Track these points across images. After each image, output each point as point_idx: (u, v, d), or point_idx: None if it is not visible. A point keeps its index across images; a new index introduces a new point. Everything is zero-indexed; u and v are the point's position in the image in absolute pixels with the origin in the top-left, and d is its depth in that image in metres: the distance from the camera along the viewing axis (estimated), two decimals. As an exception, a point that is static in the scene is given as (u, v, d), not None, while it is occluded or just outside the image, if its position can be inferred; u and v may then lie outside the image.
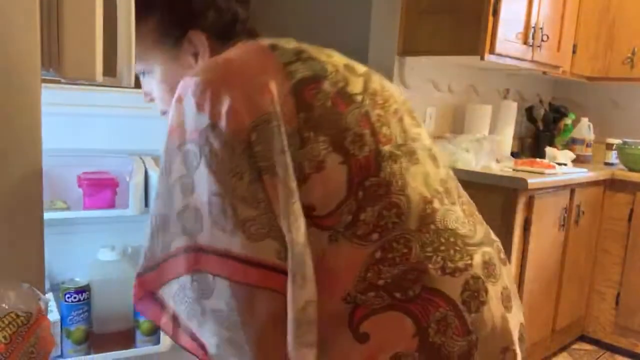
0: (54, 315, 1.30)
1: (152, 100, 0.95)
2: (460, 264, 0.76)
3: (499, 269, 0.82)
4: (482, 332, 0.76)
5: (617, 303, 2.69)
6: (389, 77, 2.43)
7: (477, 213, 0.91)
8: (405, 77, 2.47)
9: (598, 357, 2.69)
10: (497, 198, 2.17)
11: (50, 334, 0.63)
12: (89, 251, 1.41)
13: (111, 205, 1.38)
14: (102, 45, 0.70)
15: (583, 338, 2.82)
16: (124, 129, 1.48)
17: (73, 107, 1.35)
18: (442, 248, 0.76)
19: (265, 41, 0.82)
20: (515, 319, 0.84)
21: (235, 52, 0.79)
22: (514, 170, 2.34)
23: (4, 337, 0.56)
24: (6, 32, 0.60)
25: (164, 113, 0.90)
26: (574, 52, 2.72)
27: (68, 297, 1.31)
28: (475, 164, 2.31)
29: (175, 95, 0.74)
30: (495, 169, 2.30)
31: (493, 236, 0.88)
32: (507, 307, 0.82)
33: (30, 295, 0.61)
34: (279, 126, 0.71)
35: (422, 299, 0.73)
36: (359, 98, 0.79)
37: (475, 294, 0.76)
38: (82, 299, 1.32)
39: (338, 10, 3.03)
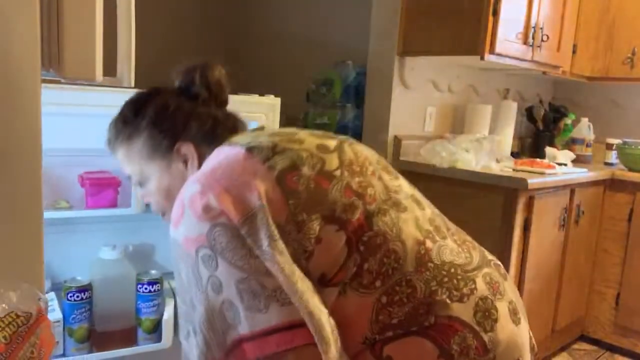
0: (56, 314, 1.30)
1: (149, 203, 1.07)
2: (466, 290, 0.83)
3: (502, 285, 0.89)
4: (498, 349, 0.82)
5: (617, 303, 2.69)
6: (389, 77, 2.43)
7: (468, 239, 0.97)
8: (405, 77, 2.47)
9: (598, 357, 2.69)
10: (497, 198, 2.17)
11: (50, 333, 0.63)
12: (90, 250, 1.42)
13: (113, 204, 1.40)
14: (102, 45, 0.70)
15: (583, 338, 2.82)
16: None
17: (73, 107, 1.35)
18: (445, 280, 0.82)
19: (243, 140, 0.90)
20: (525, 331, 0.90)
21: (218, 159, 0.88)
22: (514, 170, 2.34)
23: (4, 337, 0.56)
24: (6, 32, 0.60)
25: (164, 214, 1.02)
26: (574, 52, 2.72)
27: (70, 296, 1.32)
28: (475, 164, 2.30)
29: (176, 213, 0.83)
30: (495, 169, 2.30)
31: (489, 255, 0.95)
32: (516, 321, 0.88)
33: (30, 295, 0.61)
34: (266, 218, 0.78)
35: (439, 325, 0.79)
36: (338, 173, 0.86)
37: (486, 314, 0.83)
38: (84, 297, 1.33)
39: (338, 11, 3.03)
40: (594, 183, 2.62)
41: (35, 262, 0.68)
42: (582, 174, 2.52)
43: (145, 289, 1.41)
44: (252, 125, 1.58)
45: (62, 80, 0.74)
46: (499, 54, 2.22)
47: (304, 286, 0.77)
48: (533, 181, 2.12)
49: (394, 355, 0.78)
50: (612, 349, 2.72)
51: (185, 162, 0.98)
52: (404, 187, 0.94)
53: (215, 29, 3.46)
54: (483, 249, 0.96)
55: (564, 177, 2.37)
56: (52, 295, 1.36)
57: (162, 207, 1.03)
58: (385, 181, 0.90)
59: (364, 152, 0.95)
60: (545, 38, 2.42)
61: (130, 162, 1.02)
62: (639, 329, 2.63)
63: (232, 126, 1.02)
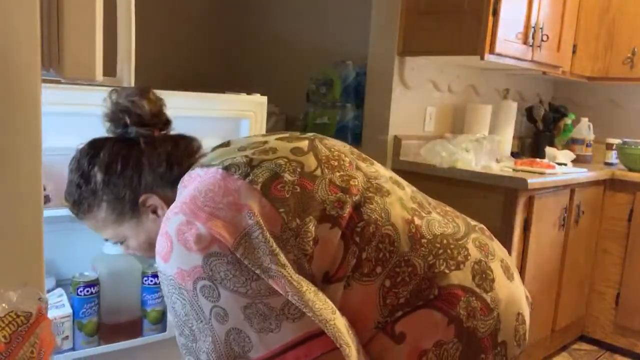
0: (66, 309, 1.34)
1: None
2: (460, 258, 0.87)
3: (490, 246, 0.94)
4: (500, 306, 0.88)
5: (617, 303, 2.69)
6: (389, 77, 2.43)
7: (449, 209, 1.01)
8: (405, 77, 2.47)
9: (598, 357, 2.69)
10: (497, 198, 2.17)
11: (50, 333, 0.63)
12: (94, 246, 1.43)
13: None
14: (102, 45, 0.70)
15: (583, 338, 2.82)
16: None
17: (74, 106, 1.35)
18: (440, 252, 0.86)
19: (215, 159, 0.88)
20: (519, 285, 0.96)
21: (195, 186, 0.85)
22: (514, 170, 2.33)
23: (4, 337, 0.57)
24: (6, 32, 0.60)
25: (151, 256, 0.97)
26: (573, 52, 2.72)
27: (80, 291, 1.34)
28: (475, 164, 2.30)
29: (164, 248, 0.81)
30: (495, 169, 2.30)
31: (472, 221, 0.99)
32: (510, 277, 0.93)
33: (30, 295, 0.61)
34: (263, 233, 0.78)
35: (443, 294, 0.84)
36: (318, 172, 0.87)
37: (483, 275, 0.88)
38: (93, 292, 1.36)
39: (338, 11, 3.03)
40: (594, 183, 2.62)
41: (35, 262, 0.68)
42: (582, 174, 2.52)
43: (151, 281, 1.43)
44: (243, 124, 1.60)
45: (62, 80, 0.74)
46: (499, 54, 2.22)
47: (314, 296, 0.77)
48: (533, 181, 2.12)
49: (406, 330, 0.82)
50: (612, 349, 2.72)
51: (155, 211, 0.96)
52: (381, 171, 0.95)
53: (215, 28, 3.46)
54: (465, 216, 1.00)
55: (564, 177, 2.37)
56: (60, 291, 1.39)
57: (147, 252, 1.00)
58: (363, 169, 0.92)
59: (336, 145, 0.96)
60: (545, 38, 2.42)
61: (102, 229, 0.99)
62: (639, 329, 2.63)
63: (186, 149, 0.98)
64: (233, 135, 1.57)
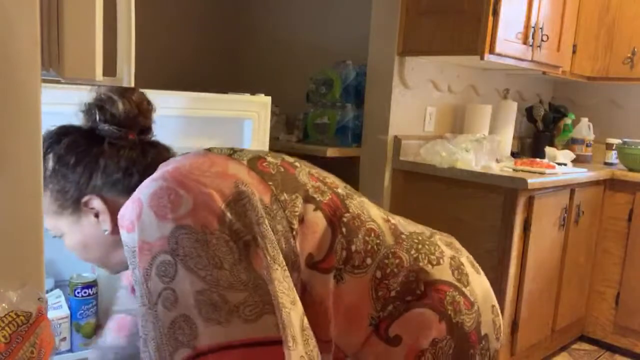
0: (64, 310, 1.33)
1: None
2: (437, 254, 0.90)
3: (454, 243, 0.98)
4: (478, 300, 0.89)
5: (617, 303, 2.69)
6: (389, 77, 2.43)
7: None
8: (405, 77, 2.47)
9: (598, 357, 2.69)
10: (497, 198, 2.17)
11: (50, 333, 0.63)
12: None
13: None
14: (102, 45, 0.70)
15: (583, 338, 2.82)
16: None
17: (73, 106, 1.35)
18: (420, 247, 0.89)
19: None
20: (486, 278, 0.97)
21: (178, 160, 0.82)
22: (514, 170, 2.34)
23: (4, 337, 0.56)
24: (6, 32, 0.60)
25: (84, 259, 0.96)
26: (573, 52, 2.72)
27: (77, 292, 1.33)
28: (475, 164, 2.31)
29: (131, 215, 0.75)
30: (495, 169, 2.30)
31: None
32: (477, 271, 0.96)
33: (30, 295, 0.61)
34: (250, 201, 0.75)
35: (429, 291, 0.84)
36: (297, 164, 0.90)
37: (460, 270, 0.90)
38: (90, 293, 1.34)
39: (338, 11, 3.03)
40: (594, 183, 2.62)
41: (35, 262, 0.68)
42: (582, 174, 2.52)
43: None
44: (246, 124, 1.56)
45: (62, 80, 0.74)
46: (498, 54, 2.22)
47: (282, 278, 0.74)
48: (533, 181, 2.12)
49: (401, 332, 0.82)
50: (612, 349, 2.72)
51: (97, 216, 0.90)
52: (340, 181, 0.98)
53: (215, 28, 3.46)
54: None
55: (564, 177, 2.37)
56: (58, 292, 1.38)
57: (84, 259, 0.96)
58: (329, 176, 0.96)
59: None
60: (545, 38, 2.42)
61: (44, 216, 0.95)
62: (639, 329, 2.63)
63: (154, 159, 0.91)
64: (236, 136, 1.56)
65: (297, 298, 0.76)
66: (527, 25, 2.34)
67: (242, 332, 0.70)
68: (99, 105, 0.90)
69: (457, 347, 0.84)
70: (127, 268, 0.93)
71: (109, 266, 0.98)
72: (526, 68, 2.50)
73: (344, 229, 0.83)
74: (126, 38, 0.79)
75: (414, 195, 2.42)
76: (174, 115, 1.42)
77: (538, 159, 2.57)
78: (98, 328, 1.38)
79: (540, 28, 2.40)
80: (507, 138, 2.82)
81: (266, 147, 1.57)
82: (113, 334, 1.09)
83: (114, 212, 0.86)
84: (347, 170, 2.58)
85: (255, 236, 0.74)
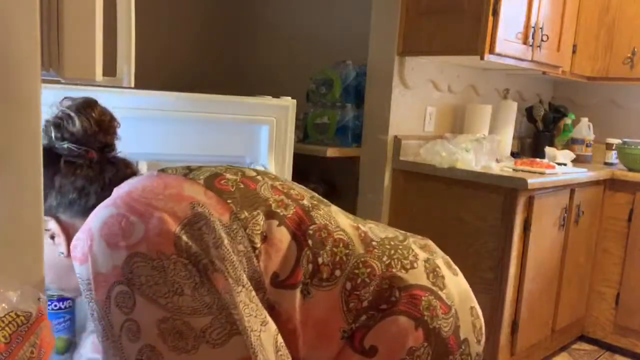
0: None
1: None
2: (411, 258, 0.87)
3: (429, 245, 0.95)
4: (455, 302, 0.87)
5: (617, 303, 2.69)
6: (389, 77, 2.43)
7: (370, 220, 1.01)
8: (405, 77, 2.47)
9: (598, 357, 2.69)
10: (497, 198, 2.17)
11: (50, 333, 0.63)
12: None
13: None
14: (102, 45, 0.70)
15: (583, 338, 2.82)
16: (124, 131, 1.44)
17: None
18: (392, 252, 0.86)
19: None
20: (464, 279, 0.95)
21: (131, 183, 0.79)
22: (514, 170, 2.34)
23: (4, 337, 0.56)
24: (6, 32, 0.60)
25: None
26: (573, 52, 2.72)
27: (48, 305, 1.21)
28: (475, 164, 2.30)
29: (82, 246, 0.72)
30: (495, 169, 2.30)
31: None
32: (454, 272, 0.93)
33: (30, 295, 0.61)
34: (207, 223, 0.72)
35: (404, 297, 0.82)
36: (259, 177, 0.88)
37: (435, 273, 0.87)
38: (63, 307, 1.24)
39: (338, 10, 3.03)
40: (594, 183, 2.62)
41: (35, 262, 0.68)
42: (582, 174, 2.52)
43: None
44: (263, 129, 1.39)
45: (62, 80, 0.74)
46: (498, 54, 2.22)
47: (248, 300, 0.71)
48: (533, 181, 2.12)
49: (376, 343, 0.79)
50: (612, 349, 2.72)
51: (53, 237, 0.86)
52: (307, 191, 0.95)
53: (215, 29, 3.45)
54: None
55: (564, 177, 2.37)
56: None
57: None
58: (298, 186, 0.93)
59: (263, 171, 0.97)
60: (545, 38, 2.42)
61: None
62: (639, 329, 2.63)
63: (114, 177, 0.87)
64: (250, 144, 1.41)
65: (268, 317, 0.74)
66: (527, 25, 2.34)
67: (211, 358, 0.68)
68: (56, 124, 0.86)
69: (436, 353, 0.81)
70: None
71: (65, 290, 0.93)
72: (526, 68, 2.50)
73: (310, 242, 0.80)
74: (126, 38, 0.78)
75: (414, 195, 2.42)
76: (179, 118, 1.35)
77: (538, 159, 2.57)
78: (72, 345, 1.29)
79: (540, 28, 2.40)
80: (507, 138, 2.82)
81: (288, 158, 1.42)
82: (90, 354, 1.04)
83: (69, 234, 0.83)
84: (347, 170, 2.58)
85: (212, 260, 0.70)
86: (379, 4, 2.47)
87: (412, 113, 2.55)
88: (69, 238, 0.83)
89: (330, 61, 2.73)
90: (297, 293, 0.78)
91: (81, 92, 1.32)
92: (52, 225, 0.85)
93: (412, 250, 0.89)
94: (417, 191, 2.41)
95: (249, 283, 0.73)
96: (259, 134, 1.39)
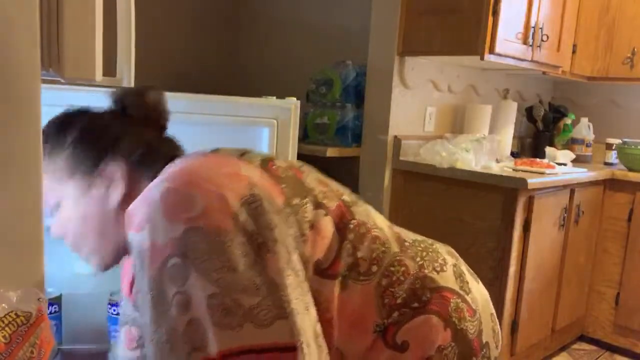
0: None
1: (63, 238, 0.90)
2: (440, 261, 0.90)
3: (454, 252, 0.97)
4: (479, 308, 0.89)
5: (616, 303, 2.69)
6: (389, 77, 2.43)
7: None
8: (405, 77, 2.47)
9: (598, 357, 2.69)
10: (497, 198, 2.17)
11: (50, 333, 0.63)
12: (66, 263, 1.28)
13: None
14: (102, 45, 0.70)
15: (583, 338, 2.82)
16: None
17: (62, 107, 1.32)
18: (424, 254, 0.89)
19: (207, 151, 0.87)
20: (484, 287, 0.97)
21: (187, 160, 0.80)
22: (513, 170, 2.34)
23: (4, 337, 0.56)
24: (6, 32, 0.60)
25: (78, 250, 0.89)
26: (573, 52, 2.72)
27: None
28: (475, 164, 2.30)
29: (140, 214, 0.73)
30: (495, 169, 2.30)
31: None
32: (476, 280, 0.96)
33: (30, 295, 0.61)
34: (262, 204, 0.74)
35: (435, 297, 0.84)
36: (305, 169, 0.90)
37: (461, 277, 0.90)
38: (51, 312, 1.22)
39: (338, 10, 3.03)
40: (594, 183, 2.62)
41: (35, 262, 0.68)
42: (582, 174, 2.52)
43: (114, 310, 1.26)
44: (264, 132, 1.35)
45: (62, 80, 0.74)
46: (498, 54, 2.22)
47: (295, 284, 0.72)
48: (533, 181, 2.12)
49: (408, 339, 0.81)
50: (612, 348, 2.72)
51: (108, 188, 0.86)
52: (344, 188, 0.96)
53: (215, 28, 3.45)
54: None
55: (564, 177, 2.37)
56: None
57: (74, 242, 0.89)
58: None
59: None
60: (545, 38, 2.42)
61: (48, 176, 0.85)
62: (639, 328, 2.63)
63: (168, 153, 0.88)
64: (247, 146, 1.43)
65: (312, 304, 0.75)
66: (527, 25, 2.34)
67: (254, 338, 0.68)
68: (136, 91, 0.91)
69: (461, 354, 0.84)
70: (117, 262, 0.91)
71: (99, 253, 0.90)
72: (526, 68, 2.50)
73: (350, 235, 0.82)
74: (126, 38, 0.78)
75: (414, 195, 2.42)
76: (179, 119, 1.35)
77: (538, 159, 2.57)
78: (60, 353, 1.27)
79: (540, 28, 2.40)
80: (507, 138, 2.82)
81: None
82: (124, 347, 1.03)
83: (130, 189, 0.84)
84: (347, 170, 2.58)
85: (267, 241, 0.72)
86: (379, 4, 2.47)
87: (412, 113, 2.55)
88: (128, 193, 0.84)
89: (330, 61, 2.73)
90: (337, 284, 0.79)
91: (81, 92, 1.32)
92: (114, 170, 0.85)
93: (441, 254, 0.91)
94: (417, 191, 2.41)
95: (298, 267, 0.75)
96: (260, 136, 1.37)
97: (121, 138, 0.86)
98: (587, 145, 3.08)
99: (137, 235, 0.73)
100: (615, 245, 2.68)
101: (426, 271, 0.86)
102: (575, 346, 2.78)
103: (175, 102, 1.34)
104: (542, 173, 2.28)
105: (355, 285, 0.81)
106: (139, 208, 0.74)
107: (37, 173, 0.67)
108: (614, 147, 2.95)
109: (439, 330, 0.82)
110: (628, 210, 2.63)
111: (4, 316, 0.57)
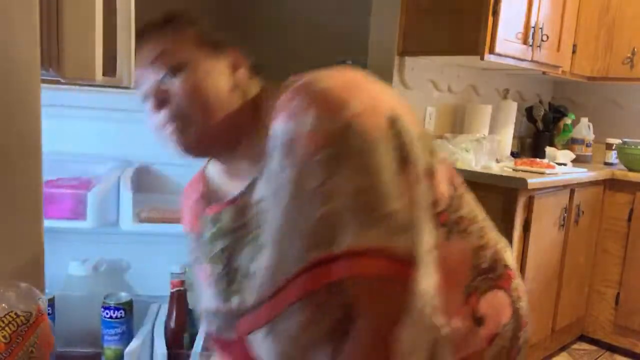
0: None
1: (159, 106, 0.82)
2: (503, 243, 0.90)
3: None
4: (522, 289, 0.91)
5: (616, 303, 2.69)
6: (389, 77, 2.43)
7: None
8: (405, 77, 2.47)
9: (598, 357, 2.69)
10: (497, 198, 2.17)
11: (50, 333, 0.63)
12: (60, 264, 1.32)
13: (74, 216, 1.25)
14: (102, 45, 0.70)
15: (583, 338, 2.82)
16: (121, 132, 1.41)
17: (65, 108, 1.31)
18: (494, 233, 0.90)
19: None
20: None
21: (330, 70, 0.79)
22: (513, 170, 2.34)
23: (4, 337, 0.56)
24: (6, 32, 0.60)
25: (179, 137, 0.81)
26: (573, 52, 2.72)
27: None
28: (475, 164, 2.30)
29: (293, 106, 0.72)
30: (495, 169, 2.30)
31: None
32: None
33: (30, 295, 0.61)
34: (407, 124, 0.75)
35: (504, 274, 0.86)
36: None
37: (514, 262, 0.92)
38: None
39: (338, 10, 3.03)
40: (594, 183, 2.62)
41: (35, 261, 0.68)
42: (581, 174, 2.52)
43: (107, 314, 1.25)
44: None
45: (62, 80, 0.74)
46: (498, 54, 2.22)
47: (427, 203, 0.74)
48: (533, 181, 2.12)
49: (485, 313, 0.82)
50: (612, 348, 2.72)
51: (235, 68, 0.87)
52: None
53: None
54: None
55: (564, 177, 2.37)
56: None
57: (183, 121, 0.79)
58: None
59: None
60: (545, 38, 2.42)
61: (177, 43, 0.83)
62: (639, 328, 2.63)
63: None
64: None
65: (433, 231, 0.75)
66: (527, 25, 2.34)
67: (385, 241, 0.69)
68: None
69: (514, 332, 0.86)
70: (209, 148, 0.84)
71: (203, 126, 0.80)
72: (526, 68, 2.50)
73: (459, 190, 0.84)
74: (126, 38, 0.78)
75: (414, 195, 2.41)
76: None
77: (538, 159, 2.57)
78: (52, 355, 1.26)
79: (540, 28, 2.40)
80: (507, 138, 2.82)
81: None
82: (202, 283, 0.95)
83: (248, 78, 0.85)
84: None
85: (411, 155, 0.73)
86: (379, 4, 2.47)
87: (412, 113, 2.55)
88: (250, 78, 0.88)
89: (330, 61, 2.73)
90: (443, 233, 0.80)
91: (81, 92, 1.33)
92: (242, 56, 0.88)
93: (502, 238, 0.93)
94: (417, 191, 2.40)
95: (427, 194, 0.76)
96: None
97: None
98: (587, 145, 3.08)
99: (285, 124, 0.72)
100: (615, 245, 2.68)
101: (499, 246, 0.88)
102: (575, 346, 2.78)
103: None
104: (542, 173, 2.28)
105: (457, 240, 0.81)
106: (291, 99, 0.74)
107: (36, 173, 0.67)
108: (614, 147, 2.95)
109: (506, 307, 0.85)
110: (628, 210, 2.63)
111: (4, 316, 0.57)
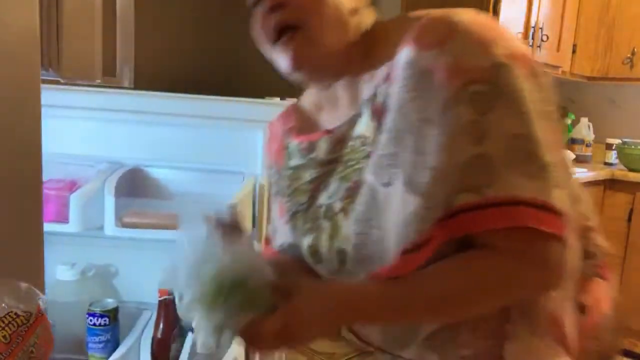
0: None
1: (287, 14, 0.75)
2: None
3: None
4: None
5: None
6: (389, 77, 2.43)
7: None
8: (405, 77, 2.46)
9: (598, 357, 2.69)
10: (496, 198, 2.16)
11: (50, 333, 0.63)
12: (47, 268, 1.30)
13: (59, 219, 1.23)
14: (102, 45, 0.70)
15: (583, 338, 2.82)
16: (120, 133, 1.38)
17: (63, 109, 1.29)
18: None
19: None
20: None
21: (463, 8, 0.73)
22: (513, 170, 2.33)
23: (4, 337, 0.56)
24: (6, 32, 0.60)
25: (290, 27, 0.75)
26: (573, 52, 2.72)
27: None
28: (475, 164, 2.30)
29: (439, 35, 0.66)
30: (495, 169, 2.30)
31: None
32: None
33: (30, 295, 0.61)
34: (543, 76, 0.69)
35: (598, 260, 0.80)
36: None
37: None
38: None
39: (338, 10, 3.03)
40: (594, 183, 2.62)
41: (35, 261, 0.68)
42: (581, 174, 2.52)
43: (91, 321, 1.22)
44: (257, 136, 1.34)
45: (62, 80, 0.74)
46: (498, 54, 2.22)
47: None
48: (533, 181, 2.11)
49: (587, 302, 0.80)
50: (612, 348, 2.72)
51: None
52: None
53: (215, 28, 3.46)
54: None
55: (564, 177, 2.37)
56: None
57: (296, 30, 0.74)
58: None
59: None
60: (545, 38, 2.42)
61: None
62: (639, 329, 2.63)
63: None
64: (244, 150, 1.36)
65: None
66: (527, 25, 2.34)
67: (541, 194, 0.62)
68: None
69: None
70: (319, 66, 0.79)
71: (319, 38, 0.76)
72: (526, 68, 2.49)
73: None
74: (126, 38, 0.78)
75: (413, 195, 2.41)
76: (179, 121, 1.32)
77: (538, 159, 2.57)
78: None
79: (540, 28, 2.40)
80: (507, 138, 2.82)
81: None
82: (278, 218, 0.89)
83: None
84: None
85: (553, 112, 0.68)
86: (378, 4, 2.47)
87: (412, 113, 2.55)
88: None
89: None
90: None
91: (81, 92, 1.32)
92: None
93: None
94: (417, 191, 2.40)
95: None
96: (263, 136, 1.34)
97: None
98: (587, 145, 3.08)
99: (427, 52, 0.66)
100: (615, 245, 2.68)
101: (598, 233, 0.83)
102: (575, 346, 2.78)
103: (176, 104, 1.33)
104: (542, 173, 2.28)
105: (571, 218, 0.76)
106: (429, 27, 0.67)
107: (37, 173, 0.67)
108: (613, 147, 2.95)
109: (606, 297, 0.82)
110: (628, 210, 2.63)
111: (4, 316, 0.57)
